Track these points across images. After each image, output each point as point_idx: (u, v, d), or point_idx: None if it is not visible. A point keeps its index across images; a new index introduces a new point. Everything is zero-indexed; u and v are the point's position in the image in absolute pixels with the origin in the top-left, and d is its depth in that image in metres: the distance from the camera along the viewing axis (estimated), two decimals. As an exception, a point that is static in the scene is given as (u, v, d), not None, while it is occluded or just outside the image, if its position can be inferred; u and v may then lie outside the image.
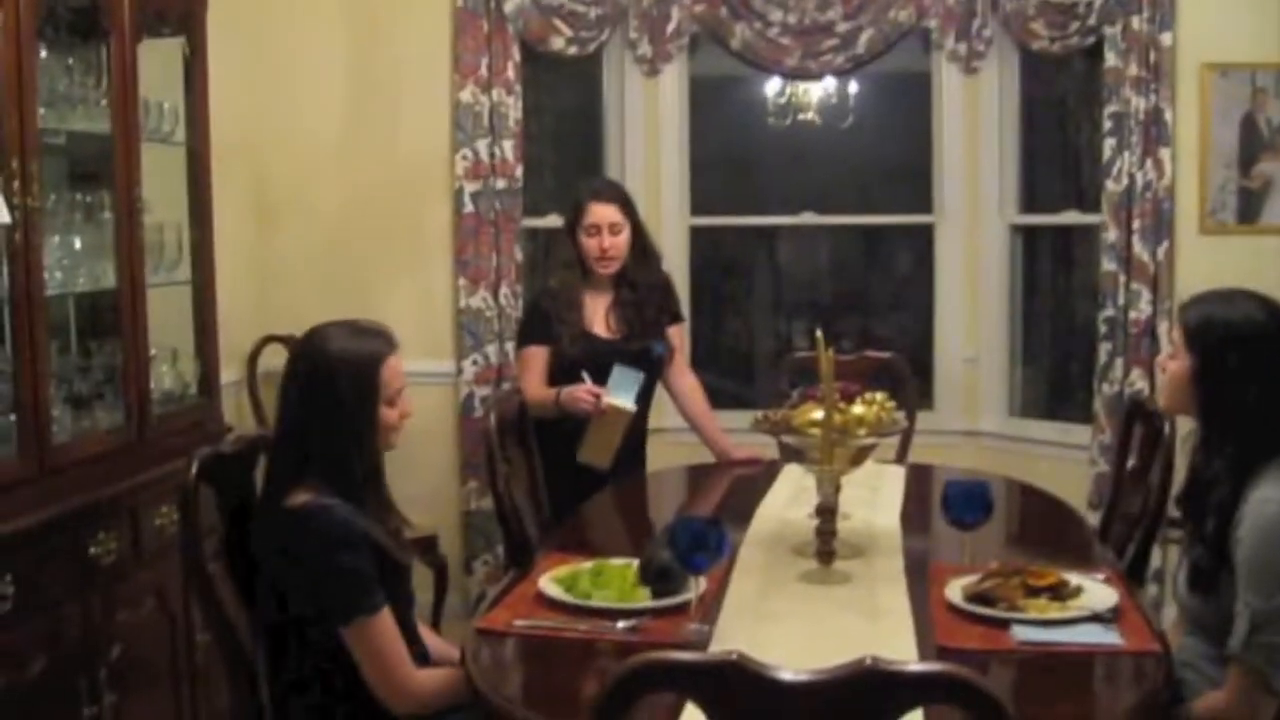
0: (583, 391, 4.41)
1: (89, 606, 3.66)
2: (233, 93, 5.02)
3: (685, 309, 5.34)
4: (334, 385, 2.91)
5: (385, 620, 2.82)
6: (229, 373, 5.05)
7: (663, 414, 4.89)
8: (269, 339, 5.50)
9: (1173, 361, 2.95)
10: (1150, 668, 2.65)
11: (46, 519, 3.47)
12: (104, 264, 4.01)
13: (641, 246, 4.72)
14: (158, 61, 4.29)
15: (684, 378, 4.91)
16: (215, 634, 3.03)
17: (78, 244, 3.91)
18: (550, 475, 4.30)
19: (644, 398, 4.60)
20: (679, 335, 4.90)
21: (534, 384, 4.59)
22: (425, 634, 3.21)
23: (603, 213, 4.61)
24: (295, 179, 5.92)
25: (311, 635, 2.86)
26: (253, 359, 5.56)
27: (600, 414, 4.42)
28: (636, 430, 4.63)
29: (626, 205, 4.68)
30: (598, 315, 4.68)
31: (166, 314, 4.34)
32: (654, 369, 4.70)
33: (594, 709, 1.87)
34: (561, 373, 4.57)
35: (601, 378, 4.46)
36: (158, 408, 4.22)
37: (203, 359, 4.57)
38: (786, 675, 1.82)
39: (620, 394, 4.45)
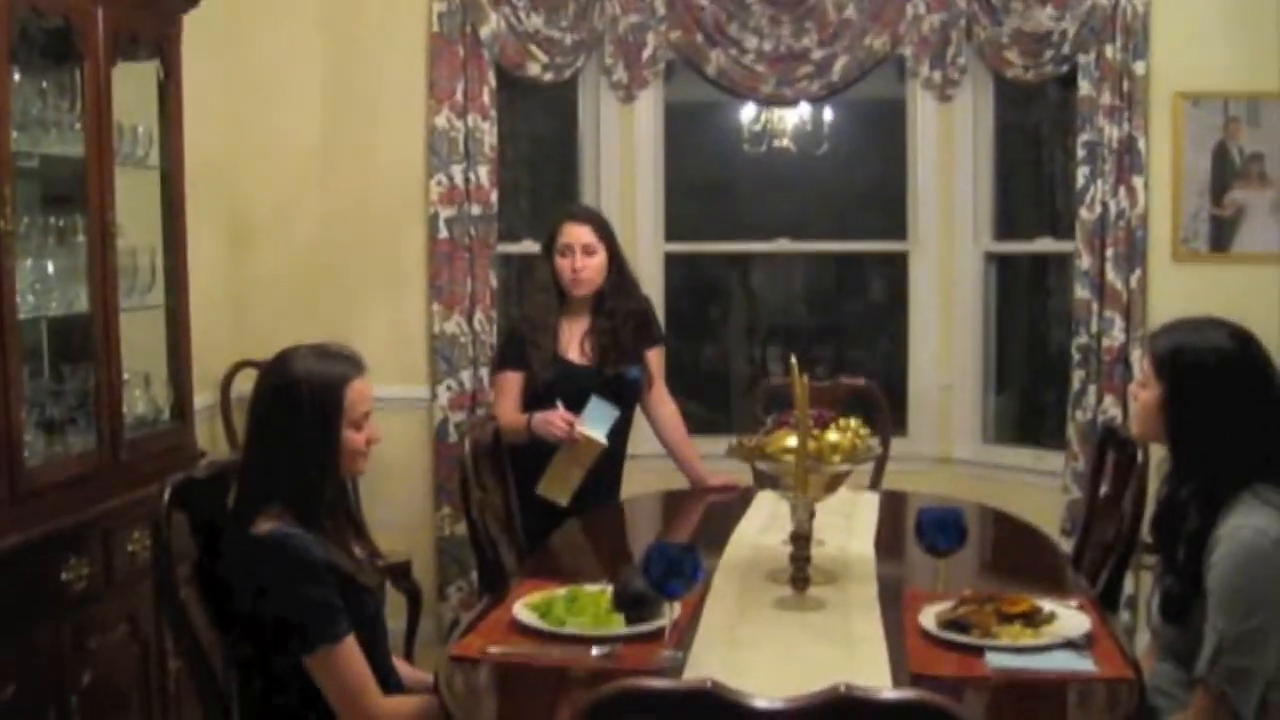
0: (556, 417, 4.41)
1: (60, 632, 3.64)
2: (207, 116, 5.01)
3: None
4: (297, 406, 2.90)
5: (349, 649, 2.80)
6: (202, 397, 5.03)
7: (637, 440, 4.89)
8: (243, 364, 5.48)
9: (1143, 390, 2.96)
10: (1123, 694, 2.65)
11: (18, 544, 3.45)
12: (77, 288, 3.99)
13: (619, 273, 4.71)
14: (132, 85, 4.28)
15: (663, 405, 4.91)
16: (187, 661, 3.01)
17: (50, 268, 3.90)
18: (524, 502, 4.29)
19: (621, 429, 4.60)
20: (657, 359, 4.90)
21: (508, 409, 4.58)
22: (398, 663, 3.19)
23: (576, 233, 4.61)
24: (270, 203, 5.92)
25: (276, 665, 2.84)
26: (226, 384, 5.54)
27: (572, 442, 4.42)
28: (614, 462, 4.62)
29: (602, 229, 4.68)
30: (573, 341, 4.68)
31: (140, 338, 4.32)
32: (631, 396, 4.70)
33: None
34: (535, 399, 4.57)
35: (576, 405, 4.46)
36: (130, 432, 4.20)
37: (176, 384, 4.56)
38: (760, 703, 1.82)
39: (594, 426, 4.44)
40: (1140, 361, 3.04)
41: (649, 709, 1.90)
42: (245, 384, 5.31)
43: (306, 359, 2.97)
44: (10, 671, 3.39)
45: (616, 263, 4.71)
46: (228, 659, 2.93)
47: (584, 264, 4.60)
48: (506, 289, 6.23)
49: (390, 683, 3.00)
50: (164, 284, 4.48)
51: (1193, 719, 2.70)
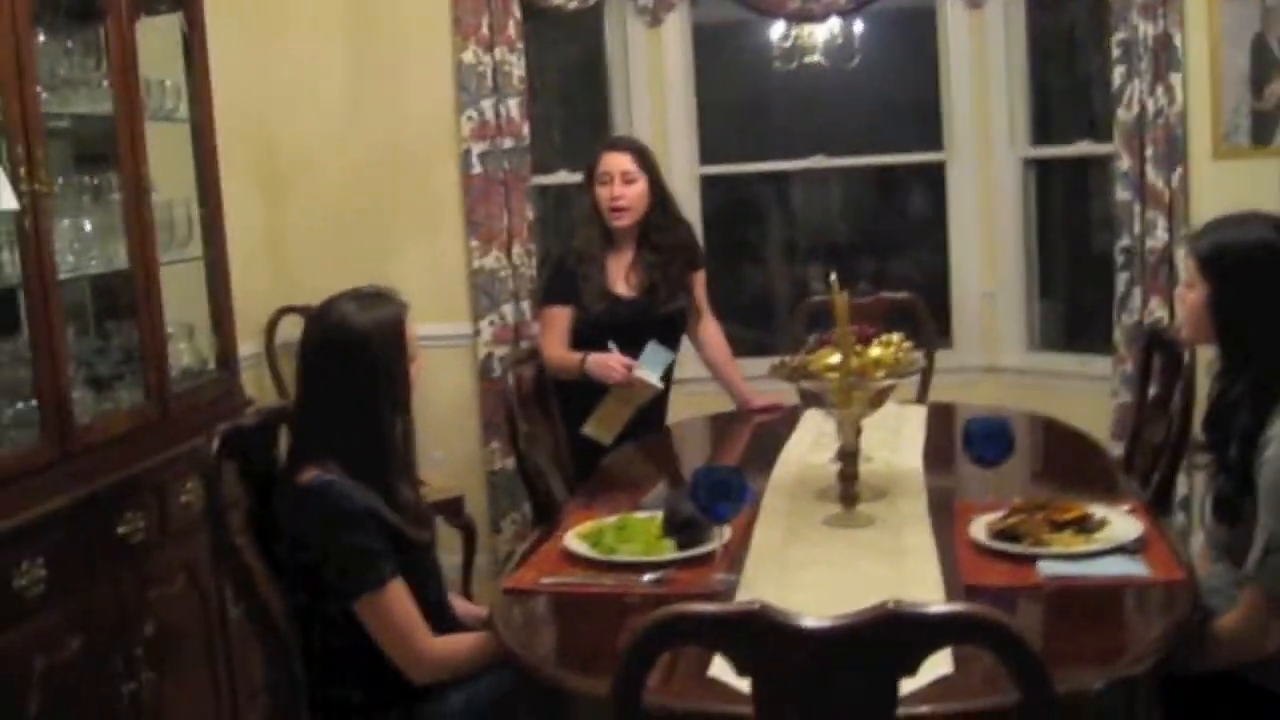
0: (614, 360, 4.41)
1: (121, 585, 3.69)
2: (233, 66, 5.01)
3: (700, 258, 5.32)
4: (369, 354, 2.92)
5: (394, 593, 2.83)
6: (247, 346, 5.06)
7: (682, 365, 4.89)
8: (285, 310, 5.51)
9: (1190, 292, 2.93)
10: (1178, 596, 2.65)
11: (73, 501, 3.49)
12: (115, 245, 4.01)
13: (661, 204, 4.69)
14: (157, 39, 4.28)
15: (707, 327, 4.91)
16: (246, 608, 3.05)
17: (88, 226, 3.91)
18: (571, 433, 4.31)
19: (668, 369, 4.60)
20: (700, 284, 4.89)
21: (555, 344, 4.58)
22: (455, 600, 3.23)
23: (615, 161, 4.59)
24: (301, 149, 5.92)
25: (328, 611, 2.88)
26: (270, 331, 5.57)
27: (628, 385, 4.42)
28: (660, 399, 4.63)
29: (642, 157, 4.65)
30: (619, 274, 4.67)
31: (181, 291, 4.33)
32: (678, 330, 4.71)
33: (619, 664, 1.88)
34: (585, 333, 4.57)
35: (625, 339, 4.46)
36: (177, 385, 4.23)
37: (220, 334, 4.58)
38: (809, 622, 1.83)
39: (649, 369, 4.44)
40: (1184, 262, 2.99)
41: (698, 634, 1.91)
42: (289, 330, 5.36)
43: (358, 308, 2.98)
44: (75, 626, 3.43)
45: (659, 192, 4.68)
46: (285, 605, 2.96)
47: (622, 192, 4.58)
48: (544, 221, 6.23)
49: (446, 621, 3.03)
50: (201, 235, 4.49)
51: (1241, 617, 2.69)
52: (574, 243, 4.72)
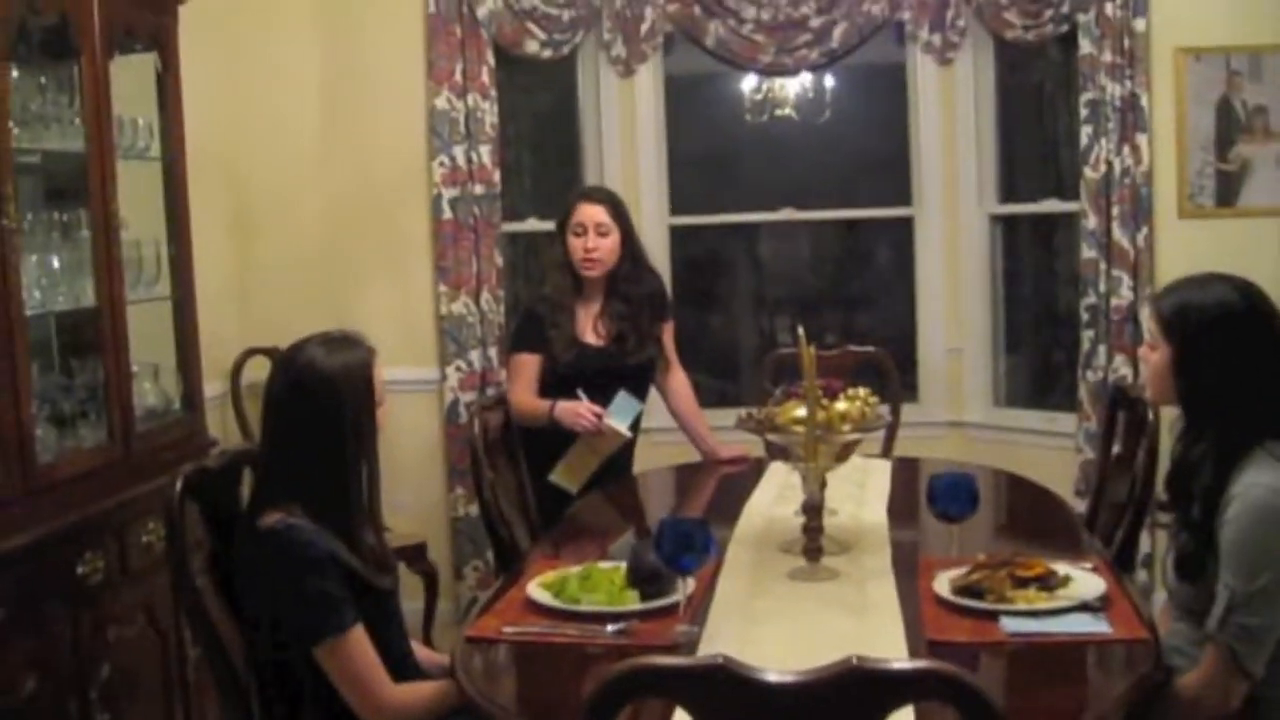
0: (584, 409, 4.41)
1: (78, 625, 3.65)
2: (207, 106, 5.00)
3: (667, 308, 5.33)
4: (336, 399, 2.91)
5: (356, 639, 2.81)
6: (212, 386, 5.04)
7: (650, 414, 4.89)
8: (252, 351, 5.49)
9: (1153, 352, 2.95)
10: (1140, 655, 2.65)
11: (33, 539, 3.45)
12: (83, 282, 3.99)
13: (632, 255, 4.70)
14: (130, 77, 4.28)
15: (675, 377, 4.91)
16: (205, 650, 3.02)
17: (56, 263, 3.90)
18: (536, 482, 4.30)
19: (635, 418, 4.60)
20: (669, 334, 4.90)
21: (523, 392, 4.58)
22: (416, 648, 3.21)
23: (590, 212, 4.61)
24: (273, 190, 5.91)
25: (289, 655, 2.86)
26: (236, 372, 5.54)
27: (597, 434, 4.42)
28: (627, 447, 4.62)
29: (616, 208, 4.67)
30: (588, 323, 4.67)
31: (147, 330, 4.32)
32: (646, 379, 4.72)
33: (581, 716, 1.87)
34: (553, 382, 4.57)
35: (592, 388, 4.46)
36: (141, 424, 4.21)
37: (185, 374, 4.56)
38: (773, 677, 1.82)
39: (618, 418, 4.45)
40: (1147, 323, 3.01)
41: (661, 687, 1.91)
42: (255, 371, 5.34)
43: (325, 352, 2.97)
44: (31, 666, 3.40)
45: (630, 243, 4.70)
46: (245, 648, 2.94)
47: (596, 244, 4.59)
48: (513, 268, 6.24)
49: (407, 669, 3.01)
50: (169, 275, 4.48)
51: (1202, 676, 2.70)
52: (544, 290, 4.73)
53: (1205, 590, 2.75)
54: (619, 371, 4.59)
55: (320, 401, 2.92)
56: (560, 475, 4.50)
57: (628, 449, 4.64)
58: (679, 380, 4.93)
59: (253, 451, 3.12)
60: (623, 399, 4.48)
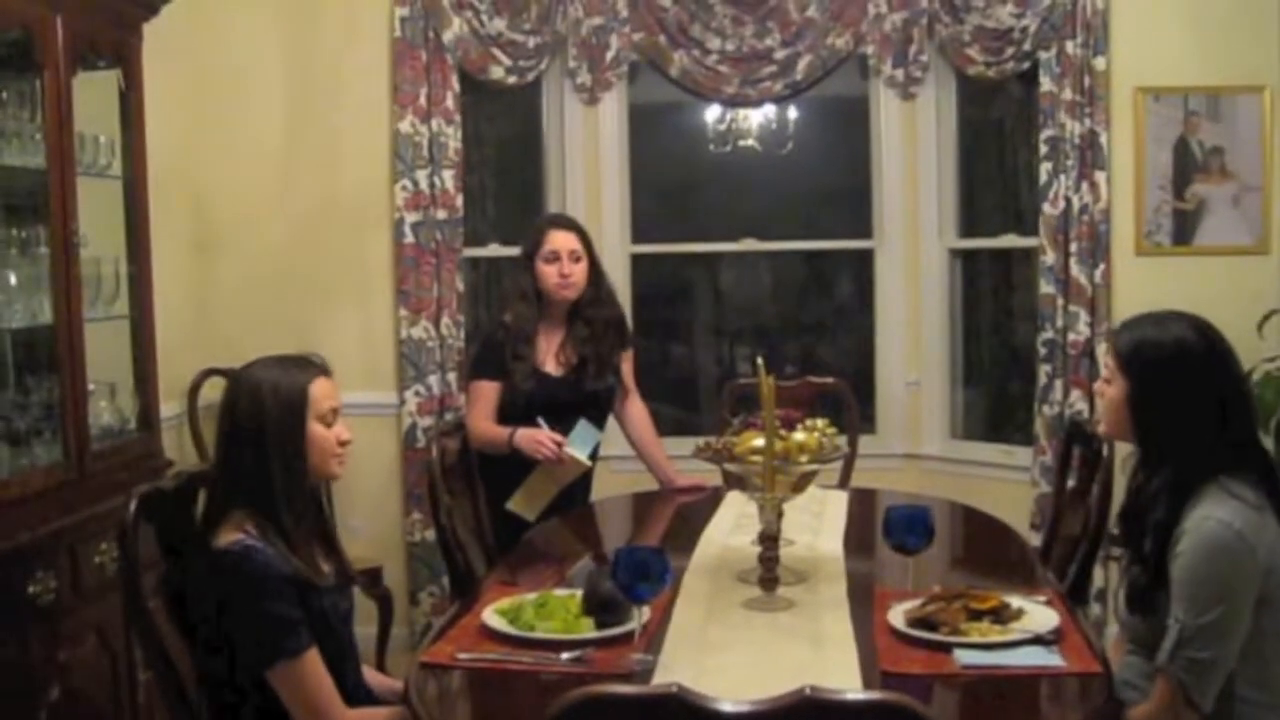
0: (544, 437, 4.41)
1: (28, 646, 3.62)
2: (170, 125, 4.99)
3: (628, 336, 5.33)
4: (261, 408, 2.91)
5: (309, 663, 2.80)
6: (169, 406, 5.01)
7: (608, 442, 4.89)
8: (210, 372, 5.46)
9: (1109, 387, 2.97)
10: (1092, 688, 2.67)
11: (-16, 558, 3.43)
12: (40, 299, 3.97)
13: (596, 282, 4.72)
14: (93, 95, 4.26)
15: (633, 406, 4.92)
16: (156, 673, 2.99)
17: (13, 279, 3.89)
18: (493, 508, 4.29)
19: (594, 448, 4.61)
20: (629, 363, 4.90)
21: (483, 419, 4.57)
22: (368, 673, 3.19)
23: (562, 239, 4.62)
24: (234, 211, 5.90)
25: (241, 678, 2.84)
26: (193, 392, 5.51)
27: (557, 462, 4.42)
28: (585, 476, 4.62)
29: (584, 236, 4.71)
30: (550, 352, 4.68)
31: (105, 349, 4.30)
32: (605, 407, 4.73)
33: (535, 744, 1.87)
34: (513, 410, 4.56)
35: (552, 416, 4.47)
36: (97, 443, 4.18)
37: (142, 394, 4.54)
38: (727, 706, 1.83)
39: (579, 447, 4.46)
40: (1104, 358, 3.04)
41: (615, 715, 1.91)
42: (212, 392, 5.30)
43: (269, 364, 3.01)
44: (-21, 686, 3.38)
45: (596, 271, 4.72)
46: (196, 671, 2.92)
47: (571, 270, 4.62)
48: (474, 293, 6.23)
49: (359, 693, 3.00)
50: (128, 294, 4.46)
51: (1152, 709, 2.72)
52: (505, 318, 4.72)
53: (1156, 623, 2.77)
54: (578, 400, 4.59)
55: (249, 420, 2.92)
56: (518, 503, 4.49)
57: (586, 477, 4.64)
58: (637, 409, 4.93)
59: (208, 472, 3.11)
60: (582, 428, 4.49)
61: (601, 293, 4.75)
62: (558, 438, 4.42)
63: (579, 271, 4.64)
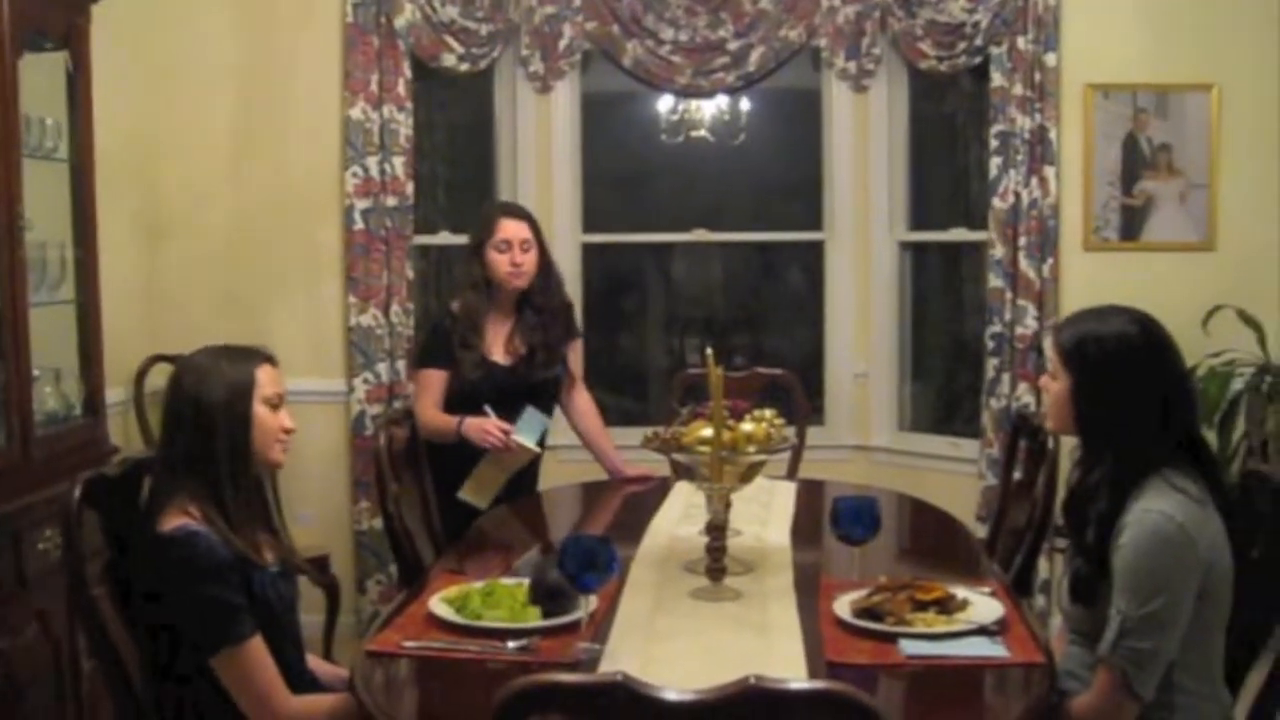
0: (492, 425, 4.41)
1: (-31, 634, 3.59)
2: (118, 108, 4.95)
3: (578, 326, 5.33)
4: (208, 389, 2.91)
5: (254, 649, 2.79)
6: (115, 393, 4.97)
7: (556, 432, 4.89)
8: (157, 358, 5.42)
9: (1053, 382, 2.99)
10: (1035, 678, 2.68)
11: (-75, 544, 3.40)
12: (-16, 283, 3.93)
13: (545, 270, 4.72)
14: (40, 76, 4.22)
15: (580, 397, 4.92)
16: (100, 661, 2.97)
17: (-43, 263, 3.84)
18: (442, 497, 4.28)
19: (542, 433, 4.61)
20: (576, 354, 4.90)
21: (430, 407, 4.56)
22: (315, 662, 3.18)
23: (514, 229, 4.61)
24: (183, 196, 5.86)
25: (185, 664, 2.83)
26: (140, 379, 5.47)
27: (505, 450, 4.42)
28: (533, 463, 4.62)
29: (535, 225, 4.70)
30: (497, 341, 4.66)
31: (50, 334, 4.25)
32: (551, 396, 4.73)
33: (480, 732, 1.87)
34: (460, 399, 4.55)
35: (499, 405, 4.46)
36: (41, 429, 4.14)
37: (87, 379, 4.49)
38: (671, 695, 1.83)
39: (526, 434, 4.45)
40: (1049, 352, 3.06)
41: (560, 703, 1.91)
42: (159, 379, 5.27)
43: (215, 351, 3.00)
44: (-81, 673, 3.34)
45: (545, 259, 4.71)
46: (140, 659, 2.90)
47: (523, 259, 4.61)
48: (424, 281, 6.21)
49: (304, 680, 2.99)
50: (74, 278, 4.42)
51: (1095, 698, 2.74)
52: (453, 306, 4.71)
53: (1099, 614, 2.79)
54: (526, 389, 4.59)
55: (195, 402, 2.91)
56: (468, 492, 4.49)
57: (534, 464, 4.64)
58: (584, 399, 4.93)
59: (153, 458, 3.08)
60: (530, 415, 4.49)
61: (551, 282, 4.75)
62: (505, 426, 4.42)
63: (530, 260, 4.63)
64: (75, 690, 4.04)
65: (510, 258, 4.60)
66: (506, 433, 4.41)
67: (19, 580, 3.81)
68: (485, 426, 4.41)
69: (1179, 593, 2.68)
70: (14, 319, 3.97)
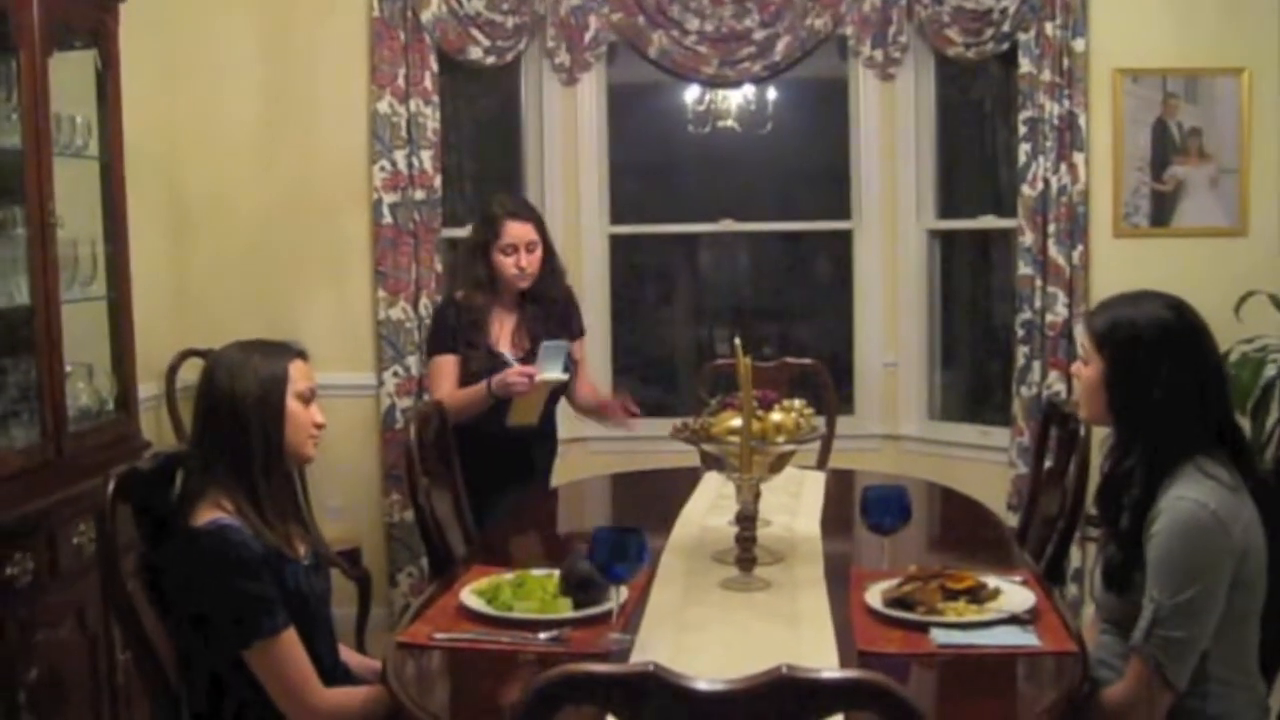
0: (514, 375, 4.44)
1: (6, 628, 3.61)
2: (146, 105, 4.97)
3: (606, 317, 5.35)
4: (242, 383, 2.92)
5: (287, 643, 2.80)
6: (147, 388, 5.00)
7: (583, 425, 4.88)
8: (188, 353, 5.44)
9: (1085, 368, 2.98)
10: (1067, 667, 2.67)
11: (-39, 540, 3.42)
12: (17, 280, 3.96)
13: (550, 263, 4.72)
14: (70, 74, 4.25)
15: (583, 384, 4.91)
16: (134, 654, 2.99)
17: (-10, 260, 3.87)
18: (471, 488, 4.29)
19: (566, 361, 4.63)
20: (580, 350, 4.90)
21: (450, 388, 4.57)
22: (347, 654, 3.20)
23: (520, 231, 4.62)
24: (212, 191, 5.88)
25: (218, 658, 2.84)
26: (171, 373, 5.49)
27: (536, 391, 4.46)
28: (562, 389, 4.68)
29: (540, 223, 4.71)
30: (504, 334, 4.68)
31: (82, 330, 4.29)
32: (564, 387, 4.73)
33: (511, 723, 1.88)
34: (470, 383, 4.56)
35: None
36: (74, 425, 4.17)
37: (120, 375, 4.52)
38: (702, 685, 1.83)
39: (549, 366, 4.47)
40: (1080, 339, 3.04)
41: (591, 694, 1.91)
42: (190, 373, 5.29)
43: (247, 346, 3.02)
44: (-44, 668, 3.37)
45: (549, 251, 4.72)
46: (174, 652, 2.92)
47: (529, 261, 4.62)
48: (452, 273, 6.21)
49: (336, 673, 3.01)
50: (105, 275, 4.45)
51: (1128, 688, 2.73)
52: (456, 295, 4.71)
53: (1131, 602, 2.78)
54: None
55: (229, 395, 2.92)
56: (515, 418, 4.56)
57: (564, 387, 4.70)
58: (587, 386, 4.94)
59: (185, 452, 3.10)
60: (546, 350, 4.51)
61: (555, 270, 4.76)
62: (528, 370, 4.45)
63: (535, 261, 4.65)
64: (111, 683, 4.08)
65: (516, 260, 4.61)
66: (531, 376, 4.44)
67: (53, 574, 3.84)
68: (508, 380, 4.44)
69: (1213, 581, 2.67)
70: (46, 315, 4.00)
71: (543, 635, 2.86)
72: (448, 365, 4.64)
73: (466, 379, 4.59)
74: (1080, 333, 3.01)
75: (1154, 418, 2.84)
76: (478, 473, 4.41)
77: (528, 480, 4.66)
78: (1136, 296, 2.95)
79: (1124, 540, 2.84)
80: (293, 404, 2.98)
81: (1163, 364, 2.83)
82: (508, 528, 4.09)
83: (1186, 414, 2.82)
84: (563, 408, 4.88)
